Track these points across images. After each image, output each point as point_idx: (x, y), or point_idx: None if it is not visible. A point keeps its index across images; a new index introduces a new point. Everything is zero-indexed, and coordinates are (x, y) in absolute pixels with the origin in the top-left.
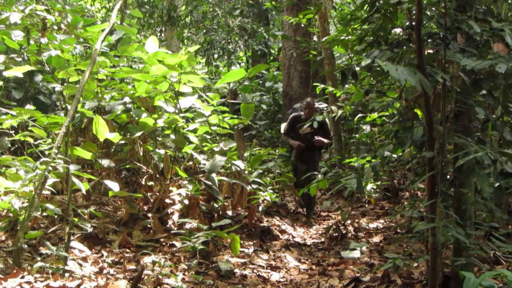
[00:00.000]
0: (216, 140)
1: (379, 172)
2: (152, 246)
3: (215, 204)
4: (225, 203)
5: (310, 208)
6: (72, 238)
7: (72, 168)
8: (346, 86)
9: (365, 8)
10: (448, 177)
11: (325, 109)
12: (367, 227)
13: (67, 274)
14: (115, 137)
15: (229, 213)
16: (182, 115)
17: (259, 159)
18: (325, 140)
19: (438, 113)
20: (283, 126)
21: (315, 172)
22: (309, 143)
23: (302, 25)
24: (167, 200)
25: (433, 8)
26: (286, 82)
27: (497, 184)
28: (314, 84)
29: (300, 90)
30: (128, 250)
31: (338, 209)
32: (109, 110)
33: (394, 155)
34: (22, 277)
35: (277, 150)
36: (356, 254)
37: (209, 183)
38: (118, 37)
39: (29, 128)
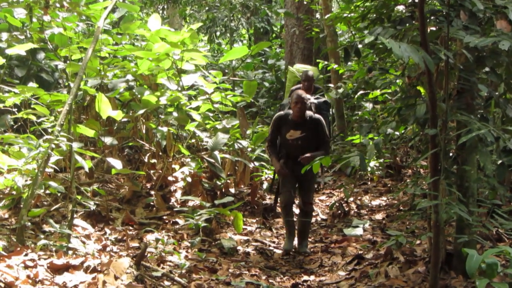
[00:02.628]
0: (218, 117)
1: (381, 150)
2: (155, 224)
3: (217, 182)
4: (228, 181)
5: (304, 237)
6: (75, 215)
7: (75, 145)
8: (349, 63)
9: None
10: (451, 154)
11: (321, 101)
12: (369, 204)
13: (70, 252)
14: (118, 115)
15: (232, 190)
16: (184, 92)
17: (261, 136)
18: (317, 152)
19: (441, 91)
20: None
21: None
22: (300, 151)
23: (305, 2)
24: (170, 178)
25: None
26: (288, 59)
27: (500, 162)
28: (317, 61)
29: None
30: (131, 228)
31: (340, 187)
32: (111, 87)
33: (397, 133)
34: (26, 255)
35: None
36: (359, 231)
37: (212, 160)
38: (120, 14)
39: (32, 106)
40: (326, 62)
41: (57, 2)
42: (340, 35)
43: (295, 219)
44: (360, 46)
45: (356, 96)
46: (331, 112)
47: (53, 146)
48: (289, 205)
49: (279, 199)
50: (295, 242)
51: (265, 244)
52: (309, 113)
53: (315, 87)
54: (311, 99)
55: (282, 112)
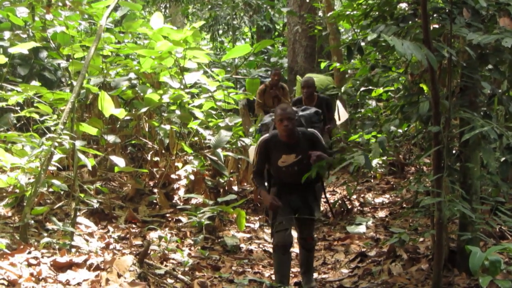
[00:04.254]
0: (221, 115)
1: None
2: (158, 222)
3: (220, 180)
4: (231, 179)
5: (308, 271)
6: (78, 213)
7: (78, 144)
8: (352, 61)
9: None
10: (454, 151)
11: (312, 112)
12: (372, 202)
13: (73, 250)
14: (121, 113)
15: (235, 188)
16: (187, 90)
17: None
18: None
19: (444, 88)
20: (251, 152)
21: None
22: (297, 178)
23: (307, 0)
24: (173, 176)
25: None
26: (291, 57)
27: (503, 159)
28: (320, 60)
29: (305, 65)
30: (134, 226)
31: (343, 184)
32: (114, 86)
33: (400, 130)
34: (29, 253)
35: None
36: (362, 229)
37: (215, 158)
38: (123, 13)
39: (35, 105)
40: (328, 61)
41: (60, 1)
42: (343, 33)
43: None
44: (362, 43)
45: (358, 94)
46: (340, 107)
47: (56, 144)
48: (285, 248)
49: (273, 238)
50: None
51: (268, 241)
52: (300, 129)
53: (319, 97)
54: (299, 112)
55: (266, 136)
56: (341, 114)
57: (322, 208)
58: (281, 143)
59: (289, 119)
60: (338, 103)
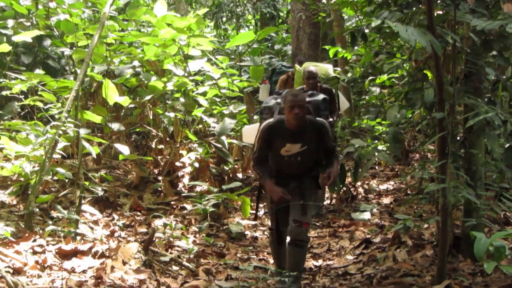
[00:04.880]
0: (225, 103)
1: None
2: (163, 209)
3: (225, 167)
4: (235, 166)
5: (298, 277)
6: (83, 201)
7: (82, 132)
8: (356, 48)
9: None
10: (458, 138)
11: (320, 99)
12: (377, 188)
13: (78, 237)
14: (125, 101)
15: (239, 175)
16: (191, 78)
17: None
18: (334, 167)
19: (448, 74)
20: (246, 132)
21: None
22: (298, 169)
23: None
24: (178, 163)
25: None
26: (295, 44)
27: (507, 145)
28: (325, 46)
29: (309, 52)
30: (139, 213)
31: (348, 171)
32: (118, 74)
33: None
34: (34, 241)
35: None
36: (367, 215)
37: (219, 145)
38: (126, 0)
39: (39, 93)
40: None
41: None
42: (347, 20)
43: None
44: (366, 30)
45: (366, 82)
46: (340, 96)
47: (60, 132)
48: (279, 243)
49: (269, 233)
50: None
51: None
52: (308, 117)
53: (322, 88)
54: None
55: (271, 121)
56: (342, 103)
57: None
58: (287, 130)
59: (300, 107)
60: (338, 92)
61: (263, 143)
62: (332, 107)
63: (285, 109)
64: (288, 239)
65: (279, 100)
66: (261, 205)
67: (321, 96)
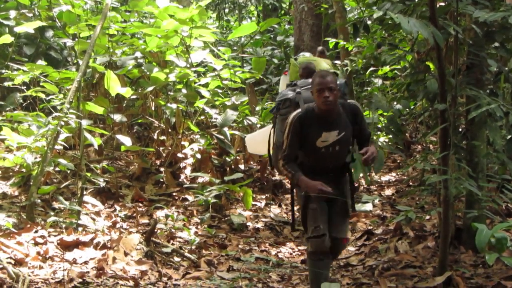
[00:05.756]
0: (227, 94)
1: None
2: (165, 200)
3: (227, 158)
4: (237, 157)
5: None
6: (85, 192)
7: (84, 123)
8: (358, 39)
9: None
10: (460, 129)
11: (342, 83)
12: (379, 180)
13: (80, 228)
14: (127, 92)
15: (241, 167)
16: (193, 69)
17: (271, 113)
18: (372, 146)
19: (450, 66)
20: (251, 140)
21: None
22: (335, 162)
23: None
24: (179, 155)
25: None
26: (297, 36)
27: (509, 136)
28: (326, 39)
29: (311, 44)
30: (140, 204)
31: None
32: (120, 65)
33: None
34: (36, 232)
35: None
36: (369, 207)
37: (221, 137)
38: None
39: (41, 84)
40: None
41: None
42: (349, 11)
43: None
44: (369, 21)
45: (367, 73)
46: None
47: (62, 123)
48: (324, 254)
49: (309, 245)
50: None
51: (274, 220)
52: (340, 100)
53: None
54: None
55: (300, 111)
56: None
57: None
58: (320, 118)
59: (331, 90)
60: None
61: (294, 137)
62: None
63: (314, 94)
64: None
65: (298, 90)
66: (263, 196)
67: (343, 80)
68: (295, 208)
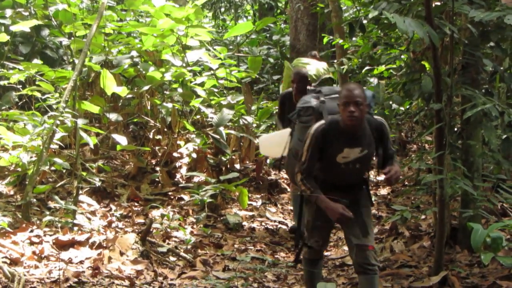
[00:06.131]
0: (223, 93)
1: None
2: (161, 200)
3: (223, 158)
4: (233, 157)
5: None
6: (80, 192)
7: (80, 122)
8: (354, 38)
9: None
10: (456, 129)
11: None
12: (374, 179)
13: (76, 228)
14: (123, 91)
15: (237, 166)
16: (189, 68)
17: (266, 112)
18: (396, 165)
19: (445, 65)
20: (265, 142)
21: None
22: (352, 179)
23: None
24: (175, 154)
25: None
26: (293, 35)
27: (504, 136)
28: (322, 35)
29: (307, 43)
30: (136, 204)
31: None
32: (116, 64)
33: (402, 108)
34: (31, 231)
35: None
36: None
37: (217, 136)
38: None
39: (37, 83)
40: (331, 37)
41: None
42: (345, 10)
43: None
44: (364, 21)
45: (362, 72)
46: None
47: (58, 122)
48: (317, 261)
49: (305, 251)
50: None
51: (270, 219)
52: (367, 117)
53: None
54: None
55: (323, 123)
56: None
57: None
58: (344, 133)
59: (357, 104)
60: None
61: (315, 150)
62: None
63: (339, 106)
64: (355, 268)
65: (322, 99)
66: (258, 196)
67: (369, 92)
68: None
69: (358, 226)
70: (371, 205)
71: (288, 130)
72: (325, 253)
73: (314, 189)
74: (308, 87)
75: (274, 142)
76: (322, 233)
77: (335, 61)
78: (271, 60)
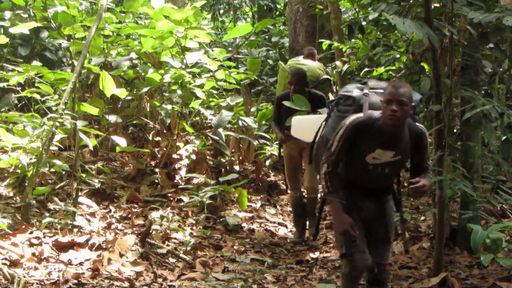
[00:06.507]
0: (222, 95)
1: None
2: (160, 201)
3: (222, 159)
4: (232, 158)
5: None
6: (80, 193)
7: (79, 124)
8: (353, 40)
9: None
10: (455, 130)
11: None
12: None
13: (75, 230)
14: (122, 93)
15: (236, 168)
16: (188, 70)
17: (266, 114)
18: (426, 178)
19: (445, 67)
20: (299, 123)
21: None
22: (380, 184)
23: None
24: (174, 156)
25: None
26: (292, 37)
27: (504, 137)
28: (320, 40)
29: (306, 45)
30: (136, 205)
31: None
32: (115, 66)
33: None
34: (31, 233)
35: None
36: None
37: (216, 138)
38: None
39: (36, 85)
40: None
41: None
42: (344, 12)
43: None
44: (364, 23)
45: (361, 73)
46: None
47: (57, 124)
48: (360, 275)
49: (346, 263)
50: None
51: (269, 221)
52: (409, 121)
53: (311, 94)
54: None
55: (361, 116)
56: None
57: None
58: (381, 132)
59: (401, 103)
60: (330, 96)
61: (347, 143)
62: None
63: (383, 103)
64: (368, 278)
65: (366, 91)
66: (258, 197)
67: (418, 95)
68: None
69: (380, 241)
70: (398, 214)
71: (324, 115)
72: (325, 254)
73: (333, 189)
74: (306, 89)
75: (308, 126)
76: (360, 234)
77: (332, 64)
78: (270, 62)
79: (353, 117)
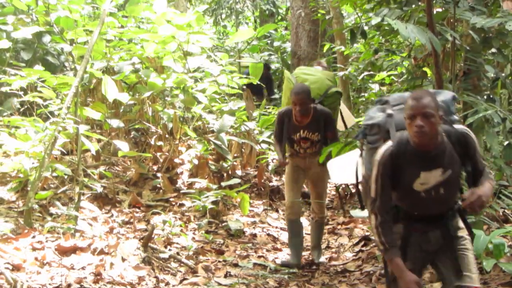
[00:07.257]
0: (225, 100)
1: None
2: (162, 206)
3: (224, 164)
4: (235, 163)
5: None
6: (82, 198)
7: (82, 128)
8: (355, 45)
9: None
10: None
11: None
12: None
13: (77, 234)
14: (124, 98)
15: (239, 172)
16: (191, 75)
17: (268, 119)
18: (486, 186)
19: (447, 72)
20: (336, 166)
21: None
22: (440, 208)
23: None
24: (177, 160)
25: None
26: (294, 41)
27: (506, 142)
28: (323, 43)
29: (308, 49)
30: (138, 210)
31: None
32: (118, 70)
33: None
34: (33, 237)
35: None
36: (366, 213)
37: (219, 142)
38: None
39: (38, 89)
40: (332, 44)
41: None
42: (346, 17)
43: None
44: (366, 27)
45: (362, 77)
46: (345, 110)
47: (60, 128)
48: None
49: None
50: None
51: (271, 225)
52: (444, 127)
53: (317, 110)
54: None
55: (390, 145)
56: (347, 118)
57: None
58: (417, 153)
59: (426, 116)
60: (342, 105)
61: (386, 181)
62: (330, 134)
63: (405, 120)
64: None
65: (389, 111)
66: (260, 202)
67: (449, 94)
68: None
69: (452, 264)
70: (469, 235)
71: (357, 151)
72: (326, 260)
73: (389, 244)
74: (312, 105)
75: (343, 167)
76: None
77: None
78: (273, 66)
79: (382, 149)
